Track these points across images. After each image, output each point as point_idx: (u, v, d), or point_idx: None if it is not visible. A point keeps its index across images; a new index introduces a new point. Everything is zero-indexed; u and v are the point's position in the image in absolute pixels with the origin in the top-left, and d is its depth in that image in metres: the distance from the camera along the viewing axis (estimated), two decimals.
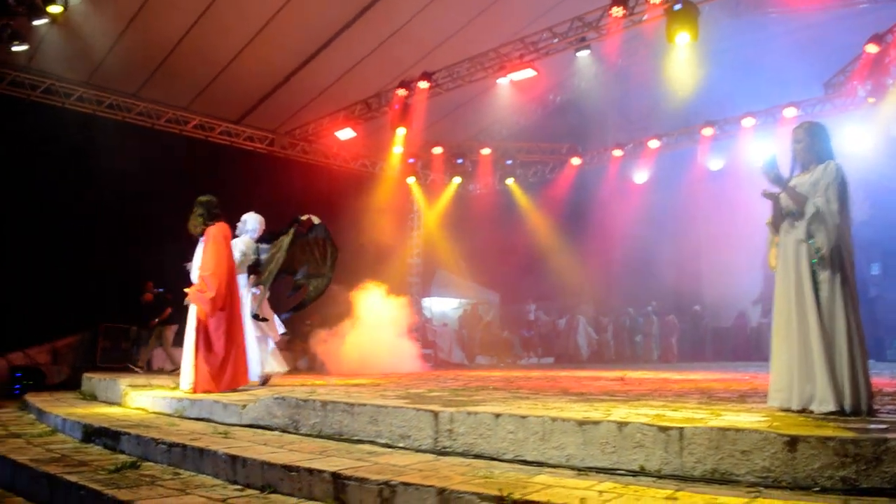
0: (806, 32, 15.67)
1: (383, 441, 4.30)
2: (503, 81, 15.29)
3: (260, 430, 5.11)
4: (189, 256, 7.51)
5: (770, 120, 16.65)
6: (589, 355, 20.66)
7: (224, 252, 7.04)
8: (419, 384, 7.57)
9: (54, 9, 11.11)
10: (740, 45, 16.58)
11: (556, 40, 14.01)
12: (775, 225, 4.64)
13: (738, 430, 3.16)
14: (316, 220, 8.99)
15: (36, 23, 11.68)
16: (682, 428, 3.26)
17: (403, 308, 14.54)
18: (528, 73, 14.43)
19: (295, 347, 15.89)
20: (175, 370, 12.71)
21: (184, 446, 4.40)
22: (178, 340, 13.61)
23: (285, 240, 8.79)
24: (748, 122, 16.83)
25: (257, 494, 3.65)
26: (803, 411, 4.13)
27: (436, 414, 4.06)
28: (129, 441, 4.97)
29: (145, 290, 13.49)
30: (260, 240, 8.58)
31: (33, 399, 8.52)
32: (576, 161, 20.27)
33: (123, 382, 7.83)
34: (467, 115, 18.62)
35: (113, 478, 4.01)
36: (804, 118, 14.56)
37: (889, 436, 2.96)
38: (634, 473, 3.29)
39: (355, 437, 4.48)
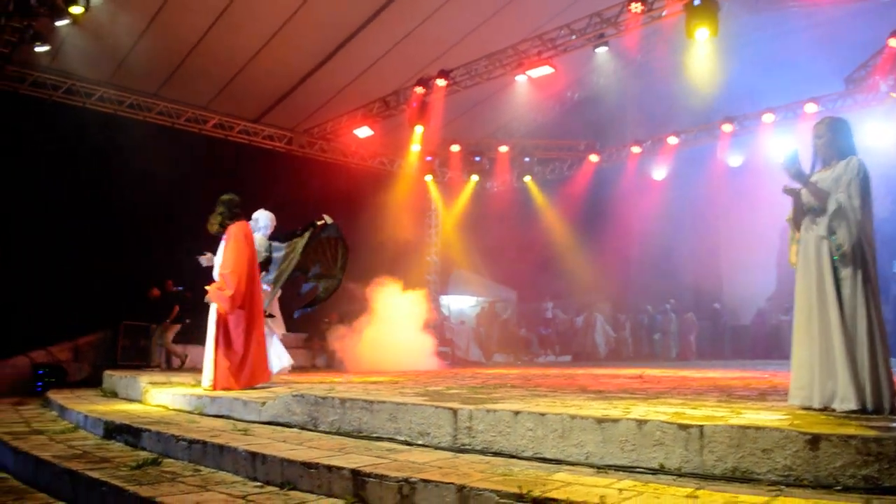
0: (826, 27, 15.49)
1: (402, 438, 4.31)
2: (521, 78, 15.24)
3: (279, 427, 5.14)
4: (204, 252, 7.57)
5: (790, 116, 16.49)
6: (607, 353, 20.58)
7: (245, 250, 7.08)
8: (437, 382, 7.58)
9: (76, 9, 11.20)
10: (760, 41, 16.43)
11: (574, 37, 13.95)
12: (796, 221, 4.60)
13: (758, 428, 3.13)
14: (329, 219, 9.03)
15: (58, 24, 11.80)
16: (702, 426, 3.24)
17: (421, 305, 14.56)
18: (545, 70, 14.38)
19: (313, 345, 15.98)
20: (169, 368, 12.84)
21: (204, 443, 4.43)
22: (177, 339, 13.79)
23: (300, 242, 8.84)
24: (768, 117, 16.68)
25: (277, 491, 3.67)
26: (825, 409, 4.09)
27: (455, 411, 4.06)
28: (149, 438, 5.01)
29: (153, 287, 13.49)
30: (273, 237, 8.63)
31: (55, 396, 8.62)
32: (594, 158, 20.18)
33: (143, 380, 7.91)
34: (485, 113, 18.60)
35: (134, 474, 4.04)
36: (825, 113, 14.43)
37: None
38: (654, 471, 3.27)
39: (374, 435, 4.49)
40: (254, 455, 4.00)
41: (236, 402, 5.82)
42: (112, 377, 9.24)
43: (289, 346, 15.49)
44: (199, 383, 7.44)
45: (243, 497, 3.52)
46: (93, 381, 11.11)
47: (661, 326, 20.54)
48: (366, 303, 13.98)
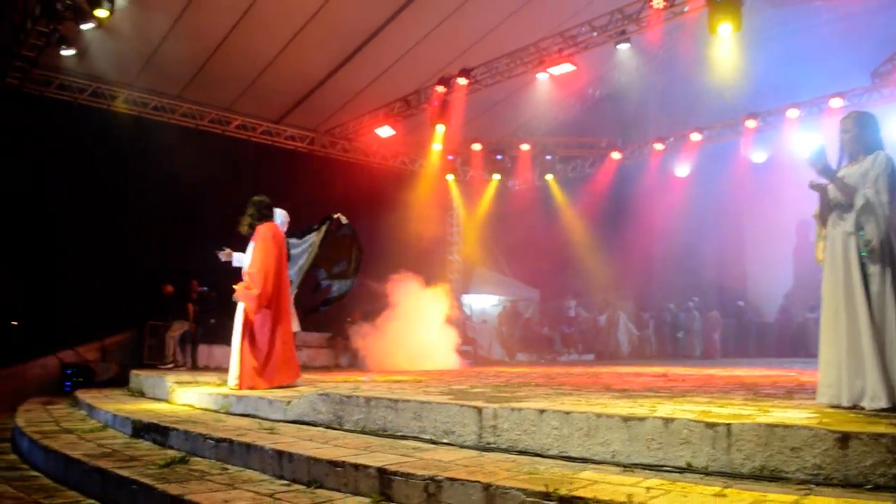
0: (852, 20, 15.29)
1: (427, 437, 4.32)
2: (542, 76, 15.21)
3: (304, 426, 5.17)
4: (223, 248, 7.65)
5: (815, 111, 16.31)
6: (630, 352, 20.47)
7: (272, 251, 7.15)
8: (461, 381, 7.58)
9: (101, 13, 11.34)
10: (784, 35, 16.25)
11: (595, 34, 13.90)
12: (823, 217, 4.55)
13: (787, 426, 3.11)
14: (344, 219, 9.06)
15: (83, 27, 11.94)
16: (729, 424, 3.22)
17: (443, 305, 14.57)
18: (567, 67, 14.35)
19: (336, 344, 16.05)
20: (170, 365, 12.90)
21: (231, 441, 4.47)
22: (203, 339, 13.89)
23: (317, 237, 8.88)
24: (793, 113, 16.50)
25: (304, 489, 3.70)
26: (854, 408, 4.05)
27: (480, 410, 4.07)
28: (177, 436, 5.06)
29: (167, 283, 13.54)
30: (289, 234, 8.67)
31: (83, 396, 8.73)
32: (616, 155, 20.08)
33: (170, 379, 7.98)
34: (506, 111, 18.58)
35: (163, 472, 4.09)
36: (851, 108, 14.18)
37: None
38: (681, 470, 3.26)
39: (399, 433, 4.51)
40: (280, 453, 4.03)
41: (262, 401, 5.87)
42: (139, 377, 9.34)
43: (312, 346, 15.72)
44: (224, 382, 7.51)
45: (270, 495, 3.54)
46: (120, 381, 11.23)
47: (685, 325, 20.38)
48: (388, 301, 14.02)
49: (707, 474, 3.18)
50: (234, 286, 7.16)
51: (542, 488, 2.85)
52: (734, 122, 17.82)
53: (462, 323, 18.07)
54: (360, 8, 13.89)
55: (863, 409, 4.00)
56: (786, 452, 3.07)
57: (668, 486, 2.96)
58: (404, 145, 18.98)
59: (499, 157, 19.97)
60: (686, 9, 12.72)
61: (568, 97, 18.87)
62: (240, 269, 7.66)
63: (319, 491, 3.65)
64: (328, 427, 5.04)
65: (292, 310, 8.64)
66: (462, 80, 15.02)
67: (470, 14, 14.15)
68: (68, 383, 12.31)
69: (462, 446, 4.09)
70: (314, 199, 13.95)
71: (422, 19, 14.25)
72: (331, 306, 10.14)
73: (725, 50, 13.21)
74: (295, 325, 8.80)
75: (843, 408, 4.07)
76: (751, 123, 17.25)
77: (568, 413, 3.71)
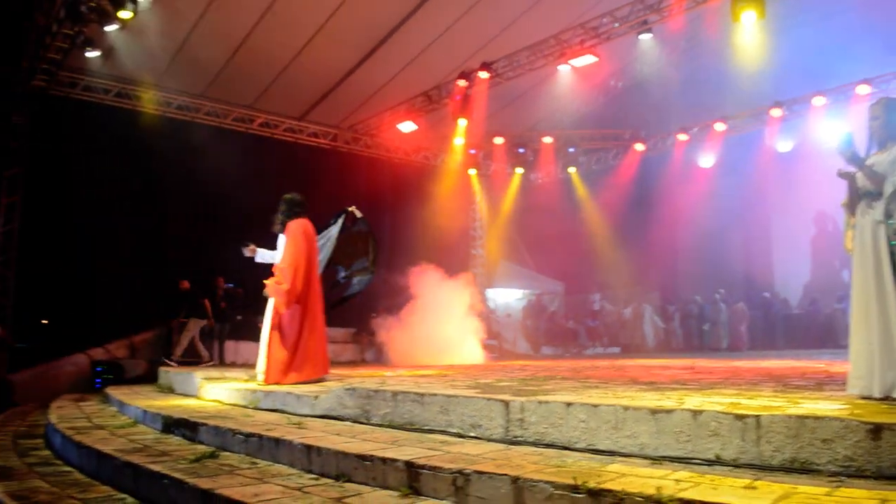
0: (878, 4, 15.04)
1: (454, 431, 4.33)
2: (564, 68, 15.14)
3: (332, 421, 5.20)
4: (247, 244, 7.72)
5: (842, 98, 16.06)
6: (655, 345, 20.36)
7: (302, 247, 7.20)
8: (487, 374, 7.59)
9: (125, 14, 11.45)
10: (808, 22, 16.02)
11: (617, 24, 13.81)
12: (851, 206, 4.49)
13: (817, 417, 3.08)
14: (358, 213, 9.09)
15: (107, 29, 12.07)
16: (758, 416, 3.19)
17: (467, 294, 14.56)
18: (589, 59, 14.26)
19: (362, 339, 16.12)
20: (184, 361, 12.97)
21: (260, 436, 4.51)
22: (230, 335, 13.99)
23: (333, 230, 8.93)
24: (819, 101, 16.27)
25: (332, 483, 3.72)
26: (885, 399, 3.99)
27: (506, 403, 4.07)
28: (207, 432, 5.12)
29: (183, 279, 13.59)
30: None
31: (114, 392, 8.84)
32: (639, 147, 19.94)
33: (199, 375, 8.06)
34: (528, 104, 18.50)
35: (194, 467, 4.13)
36: (878, 95, 13.97)
37: None
38: (710, 462, 3.24)
39: (426, 427, 4.52)
40: (309, 448, 4.06)
41: (289, 396, 5.91)
42: (168, 373, 9.45)
43: (338, 341, 15.80)
44: (252, 378, 7.59)
45: (300, 489, 3.57)
46: (149, 378, 11.37)
47: (711, 317, 20.20)
48: (412, 296, 14.04)
49: (736, 467, 3.16)
50: (265, 281, 7.23)
51: (571, 481, 2.85)
52: (759, 112, 17.61)
53: (486, 317, 18.08)
54: (380, 3, 13.91)
55: (895, 400, 3.95)
56: (816, 444, 3.04)
57: (697, 478, 2.94)
58: (426, 140, 18.99)
59: (521, 150, 19.91)
60: None
61: (590, 89, 18.74)
62: (265, 265, 7.75)
63: (348, 485, 3.67)
64: (355, 421, 5.07)
65: None
66: (483, 74, 15.00)
67: (490, 7, 14.11)
68: (98, 380, 12.48)
69: (489, 440, 4.10)
70: (337, 196, 14.00)
71: (442, 13, 14.23)
72: (351, 301, 10.18)
73: (749, 38, 13.05)
74: None
75: (875, 399, 4.02)
76: (776, 112, 17.04)
77: (595, 406, 3.70)
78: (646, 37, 14.08)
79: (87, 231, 13.66)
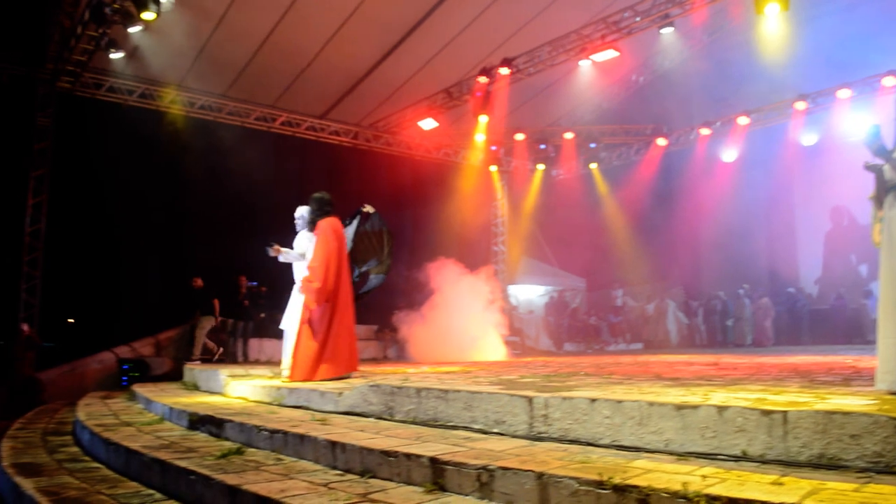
0: None
1: (478, 427, 4.33)
2: (585, 64, 15.08)
3: (355, 417, 5.22)
4: (272, 244, 7.76)
5: (867, 90, 15.83)
6: (679, 341, 20.24)
7: (332, 245, 7.24)
8: (510, 371, 7.58)
9: (148, 15, 11.55)
10: (833, 13, 15.84)
11: (638, 19, 13.73)
12: (879, 199, 4.43)
13: (845, 413, 3.04)
14: (371, 209, 9.10)
15: (131, 30, 12.19)
16: (785, 412, 3.16)
17: (490, 294, 14.57)
18: (610, 53, 14.20)
19: (384, 336, 16.17)
20: (202, 359, 13.04)
21: (285, 433, 4.54)
22: (254, 333, 14.06)
23: (349, 230, 8.95)
24: (844, 93, 16.06)
25: (357, 479, 3.74)
26: None
27: (530, 399, 4.06)
28: (232, 428, 5.16)
29: (196, 277, 13.61)
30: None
31: (140, 389, 8.93)
32: (661, 142, 19.81)
33: (224, 372, 8.12)
34: (549, 100, 18.47)
35: (220, 463, 4.17)
36: None
37: None
38: (736, 458, 3.22)
39: (450, 423, 4.53)
40: (333, 444, 4.08)
41: (313, 392, 5.94)
42: (193, 370, 9.53)
43: (361, 338, 15.76)
44: (276, 375, 7.64)
45: (325, 484, 3.59)
46: (174, 375, 11.48)
47: (735, 312, 20.04)
48: (434, 293, 14.08)
49: (763, 462, 3.13)
50: (301, 279, 7.30)
51: (596, 477, 2.84)
52: (783, 105, 17.43)
53: (508, 313, 18.07)
54: (399, 1, 13.93)
55: None
56: (844, 440, 3.01)
57: (723, 474, 2.92)
58: (447, 137, 19.00)
59: (542, 146, 19.85)
60: None
61: (611, 84, 18.69)
62: (288, 264, 7.81)
63: (373, 480, 3.69)
64: (379, 418, 5.09)
65: None
66: (504, 70, 14.97)
67: (511, 3, 14.10)
68: (125, 378, 12.63)
69: (513, 436, 4.09)
70: (359, 194, 14.04)
71: (462, 9, 14.23)
72: (372, 298, 10.20)
73: (772, 30, 12.91)
74: None
75: None
76: (800, 105, 16.85)
77: (620, 402, 3.69)
78: (667, 31, 13.98)
79: (112, 230, 13.83)
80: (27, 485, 4.43)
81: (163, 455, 4.46)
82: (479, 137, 17.71)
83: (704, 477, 2.86)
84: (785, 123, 17.77)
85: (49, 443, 6.53)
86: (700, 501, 2.52)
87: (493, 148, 19.68)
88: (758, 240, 19.80)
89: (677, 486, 2.65)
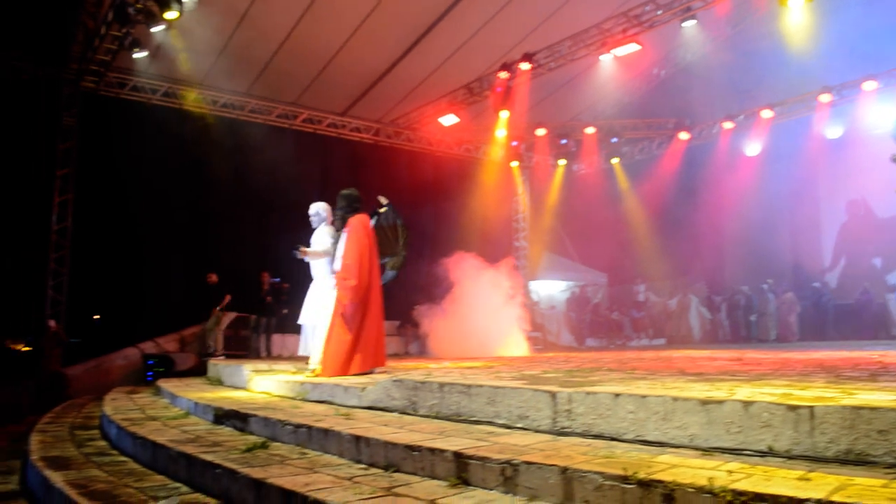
0: None
1: (501, 422, 4.33)
2: (606, 58, 15.00)
3: (379, 412, 5.24)
4: (298, 247, 7.79)
5: (893, 82, 15.65)
6: (702, 336, 20.10)
7: (364, 241, 7.25)
8: (532, 366, 7.57)
9: (170, 14, 11.65)
10: (858, 3, 15.60)
11: (660, 12, 13.65)
12: None
13: (873, 408, 3.01)
14: (384, 200, 9.11)
15: (154, 30, 12.29)
16: (812, 407, 3.13)
17: (511, 289, 14.54)
18: (631, 47, 14.12)
19: (406, 332, 16.21)
20: (220, 355, 13.11)
21: (309, 427, 4.56)
22: (277, 328, 14.12)
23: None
24: (869, 85, 15.86)
25: (381, 473, 3.76)
26: None
27: (553, 394, 4.06)
28: (257, 423, 5.20)
29: (211, 273, 13.68)
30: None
31: (165, 384, 9.01)
32: (684, 136, 19.68)
33: (248, 368, 8.18)
34: (570, 95, 18.40)
35: (245, 457, 4.20)
36: None
37: None
38: (762, 454, 3.19)
39: (473, 418, 4.53)
40: (357, 438, 4.10)
41: (337, 387, 5.97)
42: (217, 366, 9.61)
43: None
44: (300, 370, 7.68)
45: (350, 478, 3.61)
46: (198, 371, 11.58)
47: (759, 307, 19.86)
48: (455, 289, 14.08)
49: (789, 458, 3.11)
50: (334, 274, 7.30)
51: (621, 471, 2.84)
52: (807, 97, 17.25)
53: (530, 309, 18.04)
54: None
55: None
56: (872, 435, 2.97)
57: (749, 469, 2.91)
58: (468, 133, 18.99)
59: (563, 141, 19.78)
60: None
61: (633, 78, 18.58)
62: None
63: (396, 475, 3.70)
64: (402, 413, 5.10)
65: None
66: (525, 65, 14.93)
67: None
68: (150, 373, 12.77)
69: (536, 431, 4.09)
70: (380, 190, 14.09)
71: (483, 5, 14.20)
72: (392, 292, 10.22)
73: (796, 21, 12.77)
74: None
75: None
76: (825, 98, 16.67)
77: (644, 397, 3.67)
78: (689, 24, 13.88)
79: (136, 228, 13.97)
80: (56, 478, 4.50)
81: (189, 449, 4.50)
82: (500, 133, 17.70)
83: (730, 472, 2.84)
84: (809, 116, 17.58)
85: (77, 437, 6.61)
86: (726, 496, 2.51)
87: (514, 143, 19.64)
88: (782, 234, 19.61)
89: (703, 481, 2.64)
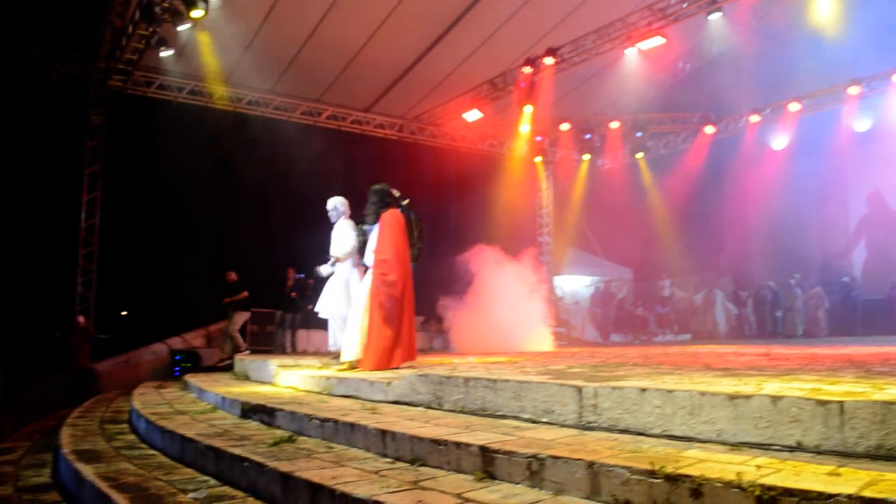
0: None
1: (527, 416, 4.33)
2: (630, 52, 14.90)
3: (404, 407, 5.26)
4: (328, 244, 7.83)
5: None
6: (727, 331, 19.93)
7: (399, 236, 7.25)
8: (557, 361, 7.55)
9: (196, 13, 11.74)
10: None
11: (685, 5, 13.52)
12: None
13: None
14: (397, 194, 9.10)
15: (180, 28, 12.40)
16: (841, 402, 3.10)
17: (535, 283, 14.50)
18: (656, 41, 14.02)
19: (430, 328, 16.23)
20: (255, 350, 13.13)
21: (335, 421, 4.59)
22: (301, 324, 14.18)
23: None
24: None
25: (407, 467, 3.77)
26: None
27: (579, 389, 4.05)
28: (283, 417, 5.24)
29: (230, 271, 13.66)
30: (362, 221, 8.72)
31: (192, 379, 9.10)
32: (709, 130, 19.50)
33: (274, 363, 8.24)
34: (594, 89, 18.29)
35: (272, 451, 4.24)
36: None
37: None
38: (791, 449, 3.17)
39: (498, 413, 4.53)
40: (383, 432, 4.12)
41: (363, 382, 6.00)
42: (243, 361, 9.69)
43: None
44: (325, 365, 7.72)
45: (376, 472, 3.63)
46: (225, 366, 11.68)
47: (786, 302, 19.63)
48: (478, 284, 14.05)
49: (819, 453, 3.08)
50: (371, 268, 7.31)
51: (648, 466, 2.83)
52: (835, 90, 17.00)
53: (554, 304, 17.98)
54: None
55: None
56: None
57: (777, 464, 2.88)
58: (492, 128, 18.96)
59: (588, 136, 19.68)
60: None
61: (657, 72, 18.44)
62: (325, 251, 7.84)
63: (423, 469, 3.72)
64: (428, 407, 5.12)
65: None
66: (549, 60, 14.87)
67: None
68: (177, 368, 12.91)
69: (562, 425, 4.08)
70: (404, 186, 14.11)
71: (506, 0, 14.15)
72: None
73: (824, 13, 12.59)
74: None
75: None
76: (853, 90, 16.42)
77: (670, 391, 3.66)
78: (715, 16, 13.75)
79: (164, 225, 14.13)
80: (87, 471, 4.56)
81: (217, 443, 4.55)
82: (524, 128, 17.64)
83: (759, 467, 2.82)
84: (837, 109, 17.34)
85: (106, 431, 6.70)
86: (755, 491, 2.49)
87: (538, 138, 19.58)
88: (809, 228, 19.37)
89: (731, 476, 2.63)
